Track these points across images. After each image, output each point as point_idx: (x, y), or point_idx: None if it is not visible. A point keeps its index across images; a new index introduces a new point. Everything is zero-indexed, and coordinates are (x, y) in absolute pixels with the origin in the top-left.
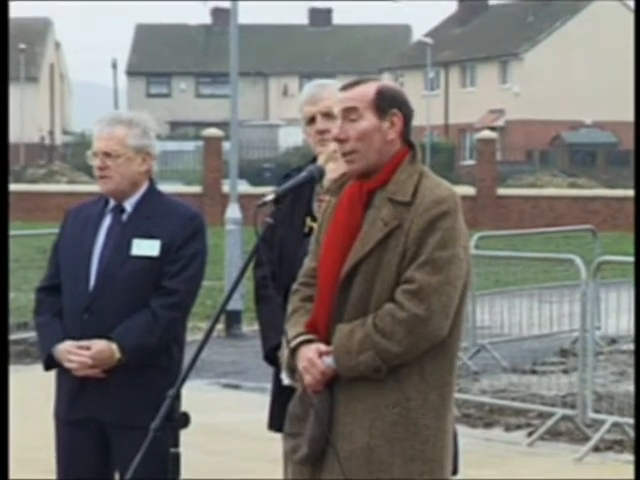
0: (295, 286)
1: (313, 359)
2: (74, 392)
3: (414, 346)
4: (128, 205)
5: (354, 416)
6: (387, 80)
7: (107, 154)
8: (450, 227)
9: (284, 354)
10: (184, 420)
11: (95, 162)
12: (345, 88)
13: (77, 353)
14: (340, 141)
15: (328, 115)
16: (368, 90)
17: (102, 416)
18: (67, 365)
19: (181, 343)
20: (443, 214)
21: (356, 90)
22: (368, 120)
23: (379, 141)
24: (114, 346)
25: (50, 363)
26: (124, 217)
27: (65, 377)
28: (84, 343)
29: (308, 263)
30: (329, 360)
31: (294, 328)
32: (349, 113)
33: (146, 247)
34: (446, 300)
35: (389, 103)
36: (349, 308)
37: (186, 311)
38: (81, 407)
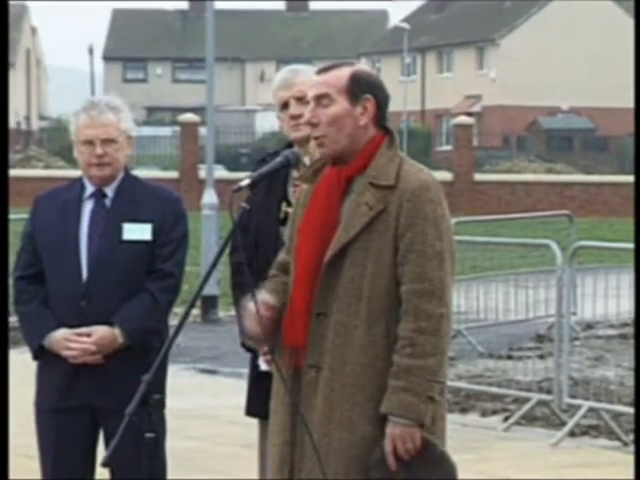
0: (269, 274)
1: (247, 305)
2: (67, 380)
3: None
4: (109, 190)
5: (354, 404)
6: (362, 65)
7: (106, 141)
8: (441, 216)
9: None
10: (159, 405)
11: (90, 150)
12: (320, 72)
13: (78, 340)
14: (312, 125)
15: (302, 100)
16: (341, 75)
17: (97, 402)
18: (65, 353)
19: (168, 325)
20: (432, 202)
21: (330, 75)
22: (340, 105)
23: (350, 126)
24: (116, 331)
25: (39, 352)
26: (107, 202)
27: (55, 365)
28: (83, 330)
29: (281, 255)
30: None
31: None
32: (321, 99)
33: (138, 231)
34: (450, 292)
35: (362, 88)
36: (340, 292)
37: (179, 293)
38: (75, 394)
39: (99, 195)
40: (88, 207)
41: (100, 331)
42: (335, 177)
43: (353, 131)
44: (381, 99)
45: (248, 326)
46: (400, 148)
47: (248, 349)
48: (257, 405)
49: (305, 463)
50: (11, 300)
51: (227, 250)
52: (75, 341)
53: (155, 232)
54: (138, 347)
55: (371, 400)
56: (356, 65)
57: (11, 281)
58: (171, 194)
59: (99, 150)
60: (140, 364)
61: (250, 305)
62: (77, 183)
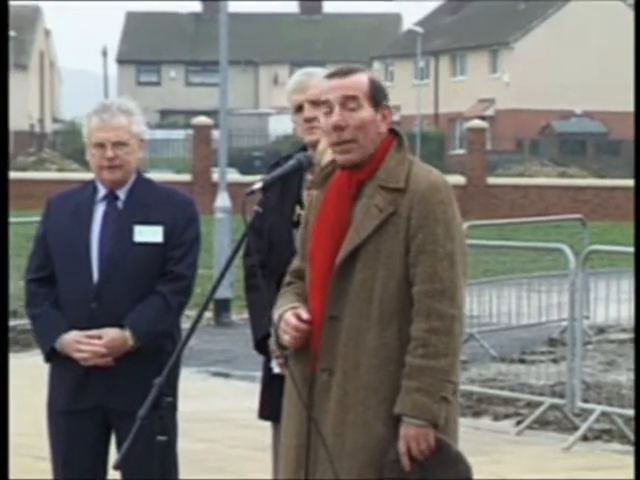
0: (284, 282)
1: (288, 319)
2: (79, 382)
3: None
4: (121, 193)
5: (368, 406)
6: (371, 72)
7: (117, 144)
8: (452, 217)
9: (272, 332)
10: (171, 408)
11: (101, 153)
12: (337, 76)
13: (89, 343)
14: (339, 129)
15: (316, 103)
16: (363, 80)
17: (110, 404)
18: (76, 355)
19: (180, 328)
20: (442, 203)
21: (352, 79)
22: (366, 110)
23: (373, 132)
24: (127, 333)
25: (51, 354)
26: (119, 204)
27: (67, 367)
28: (94, 332)
29: (295, 262)
30: (305, 315)
31: (281, 305)
32: (348, 101)
33: (149, 233)
34: (462, 293)
35: (381, 95)
36: (352, 295)
37: (191, 296)
38: (87, 396)
39: (111, 197)
40: (100, 209)
41: (111, 333)
42: (346, 181)
43: (374, 137)
44: (391, 107)
45: (288, 339)
46: (411, 151)
47: (261, 352)
48: (270, 408)
49: (319, 465)
50: (22, 303)
51: (240, 253)
52: (86, 343)
53: (167, 234)
54: (149, 350)
55: (385, 402)
56: (367, 71)
57: (22, 284)
58: (183, 196)
59: (110, 153)
60: (152, 367)
61: (289, 317)
62: (89, 186)
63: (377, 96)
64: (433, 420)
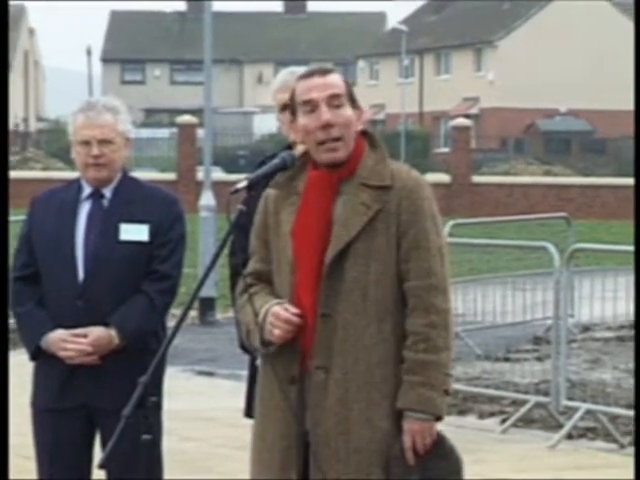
0: (242, 284)
1: (278, 312)
2: (64, 380)
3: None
4: (107, 191)
5: (370, 403)
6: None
7: (103, 141)
8: (437, 212)
9: (253, 330)
10: (156, 406)
11: (87, 151)
12: (316, 75)
13: (74, 341)
14: (329, 126)
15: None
16: (339, 79)
17: (95, 402)
18: (62, 354)
19: (165, 326)
20: (428, 198)
21: (332, 77)
22: (348, 108)
23: (354, 131)
24: (113, 332)
25: (36, 353)
26: (105, 203)
27: (52, 366)
28: (79, 331)
29: (253, 265)
30: (294, 309)
31: (261, 304)
32: (334, 99)
33: (135, 232)
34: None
35: (354, 95)
36: (344, 293)
37: (176, 295)
38: (72, 395)
39: (96, 196)
40: (85, 208)
41: (96, 332)
42: (327, 180)
43: (354, 136)
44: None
45: (279, 333)
46: (392, 149)
47: (247, 351)
48: None
49: (322, 465)
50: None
51: (226, 252)
52: (71, 342)
53: (152, 233)
54: (135, 348)
55: (387, 397)
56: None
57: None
58: (169, 195)
59: (95, 151)
60: (137, 365)
61: (279, 310)
62: (74, 184)
63: (352, 95)
64: (438, 413)
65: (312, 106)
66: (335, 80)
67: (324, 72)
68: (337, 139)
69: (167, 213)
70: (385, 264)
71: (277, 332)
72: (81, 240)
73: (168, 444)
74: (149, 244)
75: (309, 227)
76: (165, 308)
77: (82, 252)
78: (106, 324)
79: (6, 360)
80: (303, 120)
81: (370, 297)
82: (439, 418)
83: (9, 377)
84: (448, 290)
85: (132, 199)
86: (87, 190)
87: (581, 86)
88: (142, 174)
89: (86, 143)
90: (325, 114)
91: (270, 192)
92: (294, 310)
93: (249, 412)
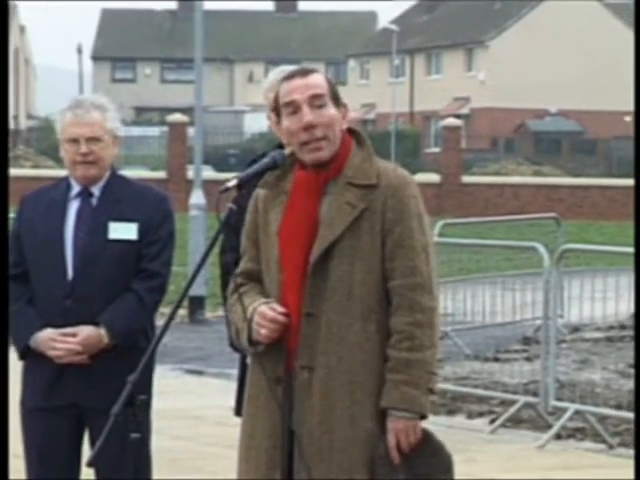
0: (233, 284)
1: (264, 311)
2: (53, 379)
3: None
4: (96, 189)
5: (354, 401)
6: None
7: (91, 139)
8: (423, 211)
9: (242, 329)
10: (145, 405)
11: (75, 148)
12: (297, 76)
13: (63, 340)
14: (311, 127)
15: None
16: (321, 79)
17: (84, 401)
18: (50, 353)
19: (154, 325)
20: (414, 197)
21: (314, 77)
22: (331, 108)
23: (338, 130)
24: (102, 331)
25: (26, 352)
26: (93, 201)
27: (41, 365)
28: (68, 330)
29: (243, 264)
30: (280, 308)
31: (250, 303)
32: (315, 100)
33: (123, 230)
34: (437, 286)
35: (338, 94)
36: (329, 292)
37: (165, 294)
38: (62, 394)
39: (85, 194)
40: (74, 206)
41: (85, 331)
42: (313, 180)
43: (339, 135)
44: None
45: (265, 332)
46: (379, 149)
47: (237, 349)
48: None
49: (307, 463)
50: None
51: (216, 250)
52: (60, 341)
53: (142, 231)
54: (124, 347)
55: (371, 396)
56: (320, 71)
57: None
58: (158, 193)
59: (84, 148)
60: (126, 364)
61: (265, 310)
62: (63, 182)
63: (336, 94)
64: (422, 412)
65: (294, 107)
66: (317, 80)
67: (305, 73)
68: (320, 139)
69: (156, 211)
70: (370, 263)
71: (264, 332)
72: (70, 239)
73: (157, 443)
74: (138, 242)
75: (295, 227)
76: (154, 306)
77: (71, 251)
78: (95, 323)
79: (6, 360)
80: (286, 122)
81: (355, 296)
82: (423, 417)
83: (9, 377)
84: (434, 289)
85: (121, 197)
86: (76, 188)
87: (571, 86)
88: (132, 172)
89: (74, 141)
90: (307, 115)
91: (260, 192)
92: (280, 309)
93: (239, 411)
